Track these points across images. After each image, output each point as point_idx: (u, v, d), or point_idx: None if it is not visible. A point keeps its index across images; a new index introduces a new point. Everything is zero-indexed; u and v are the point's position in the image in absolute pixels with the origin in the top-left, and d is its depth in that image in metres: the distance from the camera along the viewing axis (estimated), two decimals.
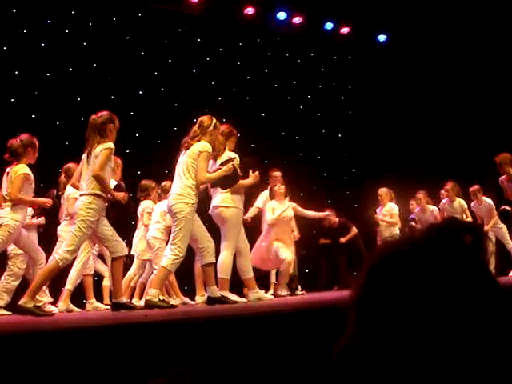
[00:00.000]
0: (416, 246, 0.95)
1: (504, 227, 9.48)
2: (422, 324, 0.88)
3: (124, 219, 6.99)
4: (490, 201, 9.55)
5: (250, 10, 11.66)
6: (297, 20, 12.18)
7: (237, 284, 7.01)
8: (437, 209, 9.90)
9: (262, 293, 6.88)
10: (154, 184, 8.24)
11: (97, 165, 5.59)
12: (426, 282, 0.89)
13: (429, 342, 0.87)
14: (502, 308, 0.91)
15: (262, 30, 12.11)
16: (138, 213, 8.19)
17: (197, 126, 6.31)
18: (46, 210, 6.93)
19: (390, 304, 0.90)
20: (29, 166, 6.39)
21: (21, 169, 6.25)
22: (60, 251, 5.59)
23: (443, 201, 9.79)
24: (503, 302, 0.92)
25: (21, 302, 5.43)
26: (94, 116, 5.83)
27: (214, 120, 6.35)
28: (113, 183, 6.56)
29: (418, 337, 0.87)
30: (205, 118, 6.35)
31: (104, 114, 5.84)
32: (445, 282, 0.89)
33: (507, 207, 8.59)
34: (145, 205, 8.14)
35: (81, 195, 5.76)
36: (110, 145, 5.69)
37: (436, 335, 0.87)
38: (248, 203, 6.92)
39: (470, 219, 9.32)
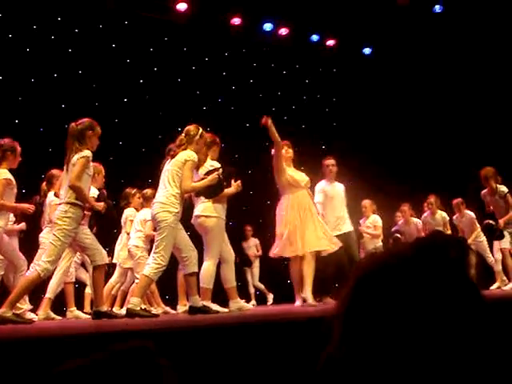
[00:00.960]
0: (402, 259, 0.95)
1: (485, 240, 9.55)
2: (407, 337, 0.87)
3: (105, 228, 6.96)
4: (472, 214, 9.63)
5: (236, 21, 11.70)
6: (283, 31, 12.24)
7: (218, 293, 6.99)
8: (420, 222, 9.95)
9: (242, 302, 6.87)
10: (134, 191, 8.20)
11: (73, 174, 5.54)
12: (412, 295, 0.89)
13: (414, 355, 0.87)
14: (488, 323, 0.91)
15: (248, 41, 12.15)
16: (122, 221, 8.16)
17: (183, 134, 6.30)
18: (28, 216, 6.87)
19: (376, 316, 0.90)
20: (11, 171, 6.32)
21: (1, 174, 6.17)
22: (41, 262, 5.51)
23: (425, 214, 9.85)
24: (490, 317, 0.92)
25: None
26: (73, 124, 5.78)
27: (200, 129, 6.35)
28: (94, 191, 6.53)
29: (402, 349, 0.87)
30: (191, 127, 6.35)
31: (83, 121, 5.80)
32: (431, 296, 0.89)
33: (491, 221, 8.65)
34: (127, 213, 8.12)
35: (58, 204, 5.73)
36: (87, 153, 5.63)
37: (421, 348, 0.87)
38: (230, 212, 6.90)
39: (449, 232, 9.37)
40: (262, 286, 11.18)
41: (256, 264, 11.23)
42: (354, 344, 0.91)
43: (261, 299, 11.07)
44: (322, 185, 8.15)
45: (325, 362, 0.95)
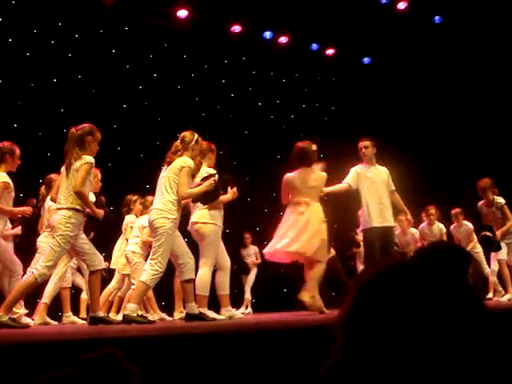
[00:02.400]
0: (405, 268, 0.95)
1: (481, 252, 9.54)
2: (409, 345, 0.88)
3: (102, 234, 6.95)
4: (469, 224, 9.62)
5: (236, 28, 11.72)
6: (283, 40, 12.27)
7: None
8: (417, 232, 9.96)
9: (233, 311, 6.85)
10: (135, 197, 8.20)
11: (78, 180, 5.53)
12: (414, 304, 0.89)
13: (416, 362, 0.87)
14: (489, 332, 0.91)
15: (247, 49, 12.18)
16: (122, 227, 8.16)
17: (179, 141, 6.30)
18: (25, 220, 6.85)
19: (379, 325, 0.90)
20: (10, 174, 6.30)
21: None
22: (38, 266, 5.49)
23: (422, 224, 9.85)
24: (491, 327, 0.92)
25: None
26: (73, 129, 5.77)
27: (196, 135, 6.34)
28: (91, 196, 6.51)
29: (405, 357, 0.87)
30: (187, 133, 6.35)
31: (83, 126, 5.79)
32: (433, 305, 0.89)
33: (488, 233, 8.64)
34: (128, 219, 8.11)
35: (59, 209, 5.69)
36: (91, 159, 5.63)
37: (423, 356, 0.87)
38: (229, 219, 6.90)
39: None
40: (249, 296, 11.03)
41: (253, 271, 11.19)
42: (357, 352, 0.91)
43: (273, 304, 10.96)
44: (356, 167, 7.69)
45: (328, 370, 0.95)
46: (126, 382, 1.00)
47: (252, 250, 11.24)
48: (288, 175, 6.99)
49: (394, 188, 7.71)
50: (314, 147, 7.17)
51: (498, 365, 0.91)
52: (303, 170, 6.95)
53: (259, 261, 11.07)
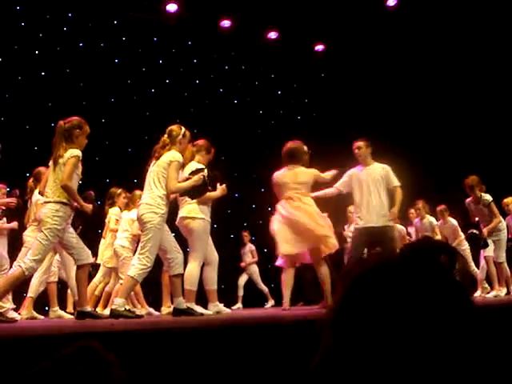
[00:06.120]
0: (392, 264, 0.95)
1: (467, 249, 9.56)
2: (397, 341, 0.88)
3: (89, 228, 6.92)
4: (454, 221, 9.65)
5: (226, 23, 11.70)
6: (272, 35, 12.26)
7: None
8: (404, 228, 9.98)
9: (221, 306, 6.86)
10: (119, 190, 8.18)
11: (65, 174, 5.49)
12: (402, 300, 0.90)
13: (404, 358, 0.87)
14: (476, 328, 0.92)
15: (236, 44, 12.16)
16: (106, 220, 8.13)
17: (166, 135, 6.27)
18: (12, 213, 6.80)
19: (367, 321, 0.90)
20: None
21: None
22: (26, 260, 5.46)
23: (416, 220, 9.86)
24: (478, 323, 0.93)
25: None
26: (61, 122, 5.73)
27: (184, 129, 6.31)
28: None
29: (393, 353, 0.88)
30: (174, 127, 6.32)
31: (72, 119, 5.74)
32: (420, 301, 0.89)
33: (474, 231, 8.67)
34: (112, 212, 8.09)
35: (46, 202, 5.66)
36: (78, 152, 5.59)
37: (411, 353, 0.87)
38: (215, 215, 6.89)
39: (439, 237, 9.39)
40: (265, 289, 11.17)
41: (254, 269, 11.24)
42: (345, 348, 0.91)
43: (262, 300, 11.05)
44: (352, 169, 7.60)
45: (316, 366, 0.95)
46: (106, 372, 1.00)
47: (248, 248, 11.29)
48: (276, 173, 7.12)
49: (395, 184, 7.48)
50: (305, 148, 7.22)
51: (486, 361, 0.91)
52: (292, 166, 7.01)
53: (255, 259, 11.18)
